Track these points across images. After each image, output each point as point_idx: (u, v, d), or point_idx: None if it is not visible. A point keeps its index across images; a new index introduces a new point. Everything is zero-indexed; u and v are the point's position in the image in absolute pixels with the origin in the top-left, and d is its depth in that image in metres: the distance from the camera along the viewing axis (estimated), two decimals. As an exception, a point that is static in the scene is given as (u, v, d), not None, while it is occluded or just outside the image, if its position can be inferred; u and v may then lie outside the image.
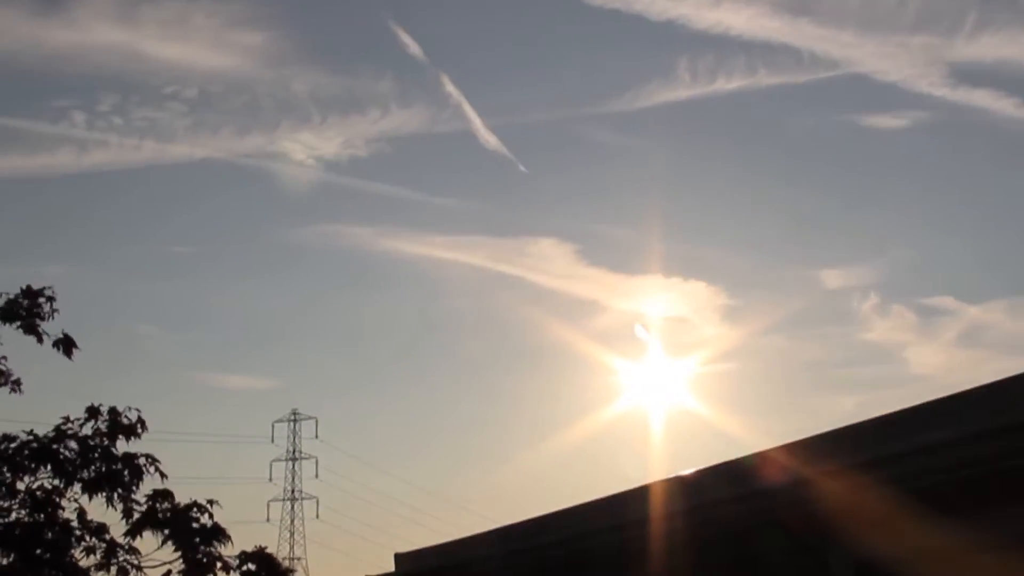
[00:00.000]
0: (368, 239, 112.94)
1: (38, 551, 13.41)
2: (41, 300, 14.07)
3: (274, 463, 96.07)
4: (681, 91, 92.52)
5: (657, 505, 11.48)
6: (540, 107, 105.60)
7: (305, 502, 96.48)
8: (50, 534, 13.53)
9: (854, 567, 9.74)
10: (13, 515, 13.58)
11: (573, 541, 12.79)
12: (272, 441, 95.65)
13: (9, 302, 13.99)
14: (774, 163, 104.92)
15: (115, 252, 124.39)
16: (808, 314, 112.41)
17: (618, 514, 12.07)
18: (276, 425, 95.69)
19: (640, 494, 11.89)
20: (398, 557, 16.57)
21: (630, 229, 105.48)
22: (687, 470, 11.58)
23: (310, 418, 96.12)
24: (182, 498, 13.78)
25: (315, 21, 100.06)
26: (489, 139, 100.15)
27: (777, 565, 10.44)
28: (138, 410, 14.01)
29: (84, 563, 13.58)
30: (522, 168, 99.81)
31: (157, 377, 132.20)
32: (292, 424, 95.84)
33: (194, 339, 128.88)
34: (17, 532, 13.38)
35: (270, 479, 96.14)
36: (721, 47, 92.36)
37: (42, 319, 14.06)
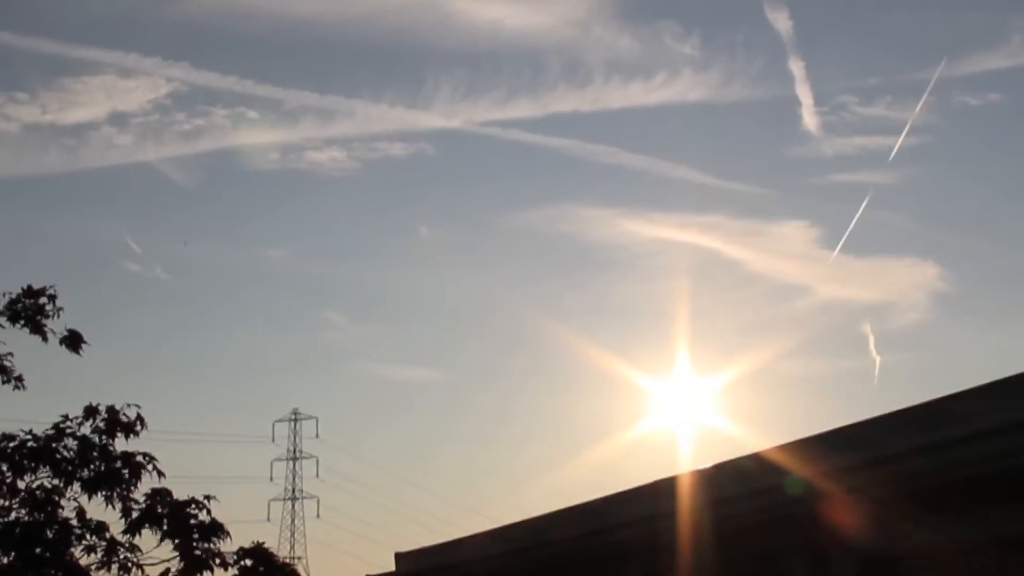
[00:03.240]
0: (605, 221, 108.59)
1: (38, 550, 13.42)
2: (43, 300, 14.12)
3: (275, 462, 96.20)
4: (1000, 61, 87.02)
5: (656, 504, 11.48)
6: (858, 75, 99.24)
7: (306, 501, 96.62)
8: (50, 533, 13.54)
9: (855, 567, 9.74)
10: (13, 514, 13.60)
11: (574, 540, 12.79)
12: (273, 440, 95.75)
13: (11, 301, 14.03)
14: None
15: (338, 233, 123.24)
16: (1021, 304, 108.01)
17: (618, 513, 12.07)
18: (276, 425, 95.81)
19: (639, 493, 11.89)
20: (398, 556, 16.57)
21: (890, 210, 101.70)
22: (686, 470, 11.57)
23: (311, 418, 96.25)
24: (182, 497, 13.80)
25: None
26: (811, 120, 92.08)
27: (777, 564, 10.44)
28: (138, 407, 14.04)
29: (84, 562, 13.59)
30: (827, 152, 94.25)
31: (327, 366, 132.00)
32: (293, 423, 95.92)
33: (377, 330, 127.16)
34: (17, 531, 13.39)
35: (271, 478, 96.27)
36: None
37: (46, 317, 14.10)
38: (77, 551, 13.58)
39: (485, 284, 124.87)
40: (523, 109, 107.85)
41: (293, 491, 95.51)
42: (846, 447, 9.41)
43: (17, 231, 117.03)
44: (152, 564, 13.65)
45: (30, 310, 14.08)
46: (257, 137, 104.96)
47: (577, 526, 12.70)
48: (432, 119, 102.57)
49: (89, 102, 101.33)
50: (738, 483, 10.39)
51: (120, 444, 13.95)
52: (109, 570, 13.60)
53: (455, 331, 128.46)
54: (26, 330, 14.13)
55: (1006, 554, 8.55)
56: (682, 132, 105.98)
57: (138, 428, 13.98)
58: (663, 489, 11.42)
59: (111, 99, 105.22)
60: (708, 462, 10.99)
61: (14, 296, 14.11)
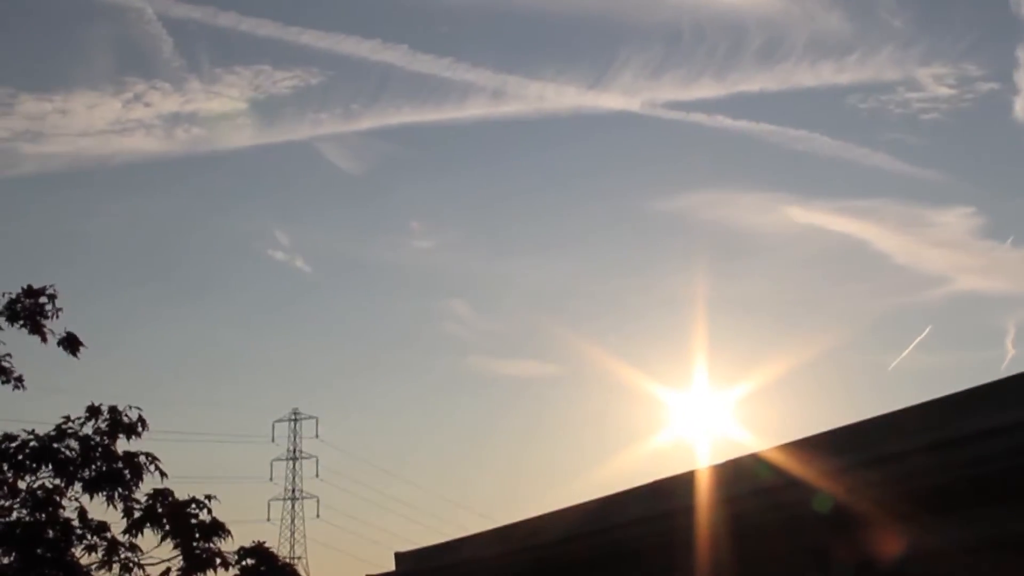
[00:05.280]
0: (762, 206, 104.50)
1: (39, 550, 13.42)
2: (43, 299, 14.12)
3: (275, 462, 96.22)
4: None
5: (653, 505, 11.48)
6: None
7: (305, 501, 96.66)
8: (51, 533, 13.55)
9: (854, 567, 9.74)
10: (14, 514, 13.60)
11: (574, 540, 12.79)
12: (272, 440, 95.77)
13: (11, 301, 14.03)
14: None
15: (481, 223, 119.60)
16: None
17: (617, 513, 12.07)
18: (276, 425, 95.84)
19: (637, 494, 11.88)
20: (398, 556, 16.57)
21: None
22: (683, 470, 11.56)
23: (311, 417, 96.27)
24: (183, 496, 13.80)
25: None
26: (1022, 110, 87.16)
27: (777, 564, 10.44)
28: (139, 409, 14.05)
29: (85, 561, 13.60)
30: None
31: (435, 356, 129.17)
32: (292, 423, 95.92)
33: (496, 323, 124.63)
34: (18, 531, 13.39)
35: (271, 478, 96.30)
36: None
37: (45, 318, 14.10)
38: (78, 551, 13.59)
39: (604, 274, 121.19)
40: (708, 88, 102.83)
41: (293, 491, 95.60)
42: (847, 447, 9.41)
43: (162, 215, 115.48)
44: (153, 564, 13.67)
45: (29, 310, 14.07)
46: (421, 116, 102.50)
47: (577, 526, 12.70)
48: (609, 99, 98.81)
49: (238, 96, 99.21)
50: (740, 482, 10.39)
51: (121, 445, 13.97)
52: (110, 570, 13.62)
53: (547, 324, 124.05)
54: (25, 330, 14.13)
55: (1006, 554, 8.56)
56: (868, 112, 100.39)
57: (140, 429, 13.99)
58: (664, 489, 11.43)
59: (258, 89, 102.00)
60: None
61: (14, 296, 14.11)
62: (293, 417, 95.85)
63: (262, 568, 13.79)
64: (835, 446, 9.55)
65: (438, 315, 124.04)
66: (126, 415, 13.92)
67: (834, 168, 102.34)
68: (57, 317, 14.14)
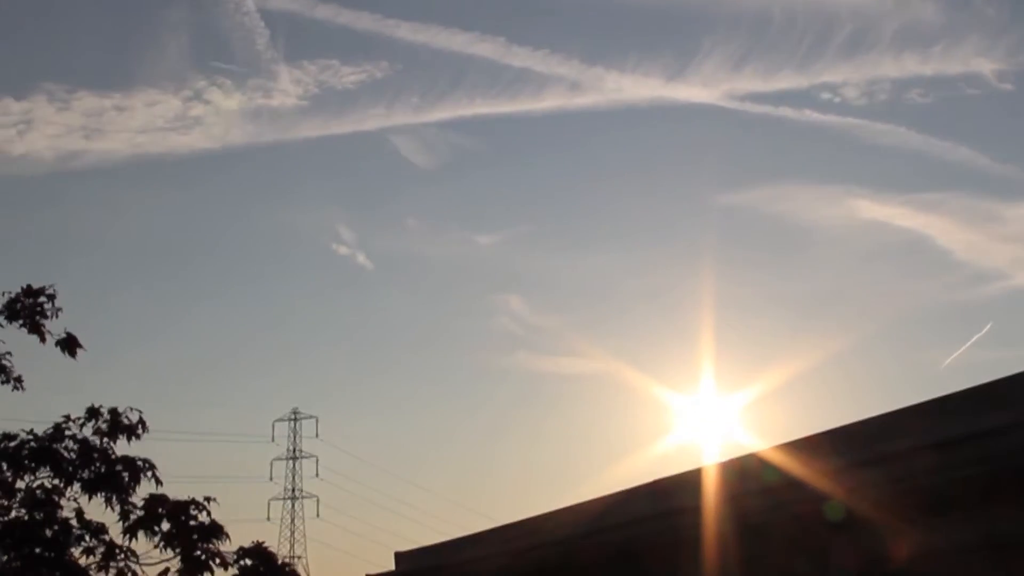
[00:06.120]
0: (827, 200, 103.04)
1: (37, 550, 13.41)
2: (42, 299, 14.11)
3: (275, 462, 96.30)
4: None
5: (654, 505, 11.46)
6: None
7: (305, 501, 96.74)
8: (49, 533, 13.54)
9: (856, 567, 9.72)
10: (12, 514, 13.59)
11: (575, 540, 12.77)
12: (272, 440, 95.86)
13: (11, 301, 14.04)
14: None
15: (551, 219, 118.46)
16: None
17: (618, 513, 12.05)
18: (276, 424, 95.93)
19: (638, 494, 11.87)
20: (398, 556, 16.55)
21: None
22: (683, 470, 11.55)
23: (311, 417, 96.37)
24: (182, 497, 13.79)
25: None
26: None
27: (775, 565, 10.42)
28: (139, 411, 14.04)
29: (83, 562, 13.59)
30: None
31: (467, 355, 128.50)
32: (292, 423, 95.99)
33: (549, 319, 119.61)
34: (16, 531, 13.39)
35: (271, 478, 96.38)
36: None
37: (45, 317, 14.10)
38: (76, 552, 13.58)
39: (658, 269, 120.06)
40: (789, 79, 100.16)
41: (293, 491, 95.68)
42: (846, 446, 9.39)
43: (218, 211, 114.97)
44: (152, 564, 13.66)
45: (29, 309, 14.08)
46: (496, 108, 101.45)
47: (579, 525, 12.69)
48: (689, 91, 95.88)
49: (303, 93, 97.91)
50: (741, 482, 10.38)
51: (122, 445, 13.98)
52: (108, 573, 13.60)
53: (594, 319, 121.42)
54: (24, 330, 14.13)
55: (1006, 555, 8.54)
56: (948, 105, 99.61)
57: (139, 431, 13.99)
58: (665, 488, 11.41)
59: (323, 85, 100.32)
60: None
61: (13, 295, 14.12)
62: (293, 417, 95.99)
63: (261, 568, 13.78)
64: (836, 446, 9.53)
65: (489, 311, 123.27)
66: (126, 416, 13.93)
67: (911, 161, 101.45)
68: (56, 317, 14.17)
